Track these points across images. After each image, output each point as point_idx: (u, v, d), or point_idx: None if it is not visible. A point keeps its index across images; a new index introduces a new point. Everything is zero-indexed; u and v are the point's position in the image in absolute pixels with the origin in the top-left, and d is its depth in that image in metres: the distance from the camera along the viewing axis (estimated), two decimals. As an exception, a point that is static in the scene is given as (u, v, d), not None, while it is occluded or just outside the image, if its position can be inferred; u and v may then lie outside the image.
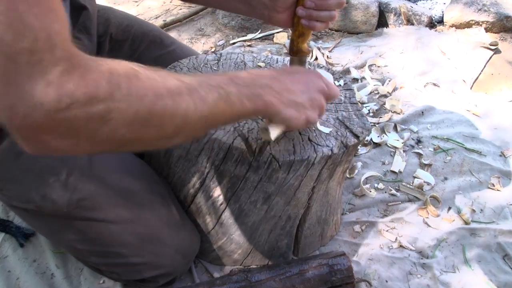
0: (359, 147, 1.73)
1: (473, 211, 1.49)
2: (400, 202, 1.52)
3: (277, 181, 1.05)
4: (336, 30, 2.59)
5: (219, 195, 1.11)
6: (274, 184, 1.06)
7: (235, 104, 0.73)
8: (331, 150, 1.06)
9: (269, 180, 1.05)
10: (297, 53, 1.10)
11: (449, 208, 1.51)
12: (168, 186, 1.18)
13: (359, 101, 2.01)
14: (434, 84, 2.17)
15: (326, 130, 1.12)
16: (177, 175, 1.16)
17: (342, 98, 1.27)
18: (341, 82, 1.36)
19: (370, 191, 1.53)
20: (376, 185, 1.58)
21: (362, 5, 2.46)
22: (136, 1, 2.90)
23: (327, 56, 2.36)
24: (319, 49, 2.40)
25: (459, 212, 1.49)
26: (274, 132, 0.89)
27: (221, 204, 1.12)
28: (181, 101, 0.65)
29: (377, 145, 1.77)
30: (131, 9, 2.79)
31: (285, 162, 1.02)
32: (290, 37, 1.09)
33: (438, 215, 1.47)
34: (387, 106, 1.99)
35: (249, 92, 0.76)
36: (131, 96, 0.58)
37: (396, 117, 1.92)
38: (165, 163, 1.18)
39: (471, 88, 2.19)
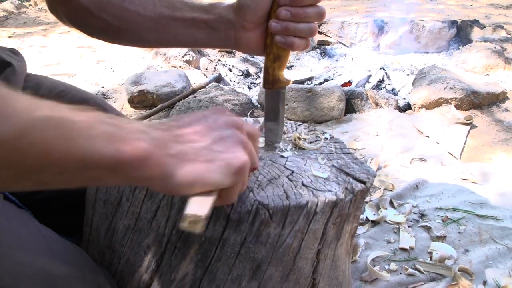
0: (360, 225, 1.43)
1: (517, 281, 1.17)
2: (422, 283, 1.19)
3: (269, 240, 0.73)
4: (302, 121, 2.43)
5: (184, 276, 0.76)
6: (264, 246, 0.73)
7: (77, 138, 0.45)
8: (336, 195, 0.77)
9: (257, 239, 0.73)
10: (273, 84, 0.88)
11: (485, 282, 1.18)
12: (111, 279, 0.82)
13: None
14: (421, 159, 1.97)
15: (323, 174, 0.85)
16: (124, 258, 0.81)
17: (333, 149, 1.02)
18: (327, 135, 1.11)
19: (382, 274, 1.20)
20: (386, 266, 1.26)
21: (326, 91, 2.34)
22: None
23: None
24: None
25: (498, 285, 1.16)
26: (201, 206, 0.52)
27: (189, 291, 0.77)
28: None
29: (375, 223, 1.48)
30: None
31: (278, 210, 0.71)
32: (263, 65, 0.87)
33: (475, 292, 1.14)
34: (375, 183, 1.74)
35: (110, 132, 0.48)
36: None
37: (389, 193, 1.66)
38: (107, 245, 0.84)
39: (460, 159, 2.00)
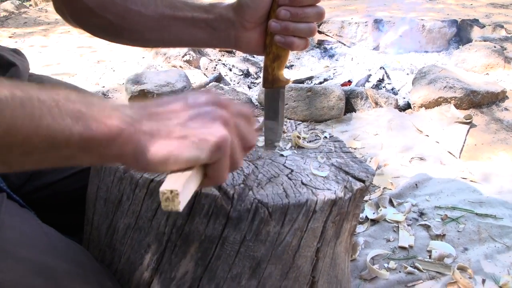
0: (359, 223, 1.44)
1: (515, 279, 1.18)
2: (421, 281, 1.20)
3: (268, 238, 0.74)
4: (302, 121, 2.43)
5: (185, 274, 0.76)
6: (264, 244, 0.74)
7: (43, 117, 0.44)
8: (335, 193, 0.78)
9: (256, 238, 0.73)
10: (273, 84, 0.88)
11: (484, 280, 1.19)
12: (112, 277, 0.83)
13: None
14: (420, 158, 1.98)
15: (323, 173, 0.85)
16: (124, 256, 0.82)
17: (332, 148, 1.02)
18: (327, 134, 1.12)
19: (382, 272, 1.20)
20: (386, 264, 1.26)
21: (326, 90, 2.34)
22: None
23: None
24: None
25: (497, 282, 1.17)
26: (176, 182, 0.51)
27: (189, 288, 0.77)
28: None
29: (374, 222, 1.48)
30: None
31: (277, 208, 0.72)
32: (263, 65, 0.88)
33: (474, 290, 1.14)
34: (375, 182, 1.75)
35: (79, 109, 0.47)
36: None
37: (389, 192, 1.67)
38: (107, 243, 0.85)
39: (459, 158, 2.01)
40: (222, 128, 0.54)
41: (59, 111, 0.45)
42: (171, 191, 0.49)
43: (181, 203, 0.50)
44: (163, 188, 0.49)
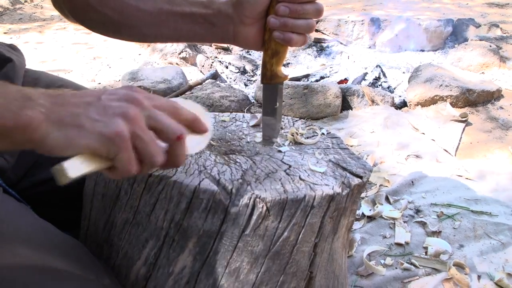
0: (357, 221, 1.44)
1: (510, 275, 1.19)
2: (417, 277, 1.21)
3: (266, 233, 0.74)
4: (299, 118, 2.43)
5: (183, 269, 0.76)
6: (262, 239, 0.74)
7: None
8: (333, 189, 0.78)
9: (254, 232, 0.73)
10: (271, 79, 0.88)
11: (479, 277, 1.20)
12: (110, 272, 0.83)
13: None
14: (417, 156, 1.99)
15: (320, 169, 0.85)
16: (122, 251, 0.82)
17: (330, 144, 1.02)
18: (324, 131, 1.12)
19: (378, 268, 1.21)
20: (382, 261, 1.27)
21: (323, 88, 2.35)
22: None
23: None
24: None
25: (492, 279, 1.18)
26: (72, 166, 0.56)
27: (186, 283, 0.77)
28: None
29: (371, 218, 1.49)
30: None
31: (275, 204, 0.72)
32: (262, 61, 0.87)
33: (469, 286, 1.15)
34: (371, 179, 1.75)
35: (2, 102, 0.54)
36: None
37: (385, 189, 1.67)
38: (105, 239, 0.84)
39: (455, 156, 2.02)
40: (120, 123, 0.56)
41: None
42: (61, 167, 0.54)
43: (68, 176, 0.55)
44: (59, 165, 0.55)
